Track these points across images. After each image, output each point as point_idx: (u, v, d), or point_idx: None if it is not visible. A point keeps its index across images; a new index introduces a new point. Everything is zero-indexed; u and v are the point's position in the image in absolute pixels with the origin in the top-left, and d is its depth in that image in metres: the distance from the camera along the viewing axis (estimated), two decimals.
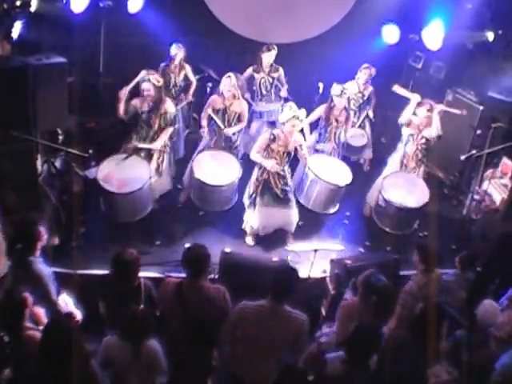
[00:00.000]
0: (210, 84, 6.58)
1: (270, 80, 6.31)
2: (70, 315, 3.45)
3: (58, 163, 5.32)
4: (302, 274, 4.72)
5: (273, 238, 5.30)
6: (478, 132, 5.99)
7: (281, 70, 6.32)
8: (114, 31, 6.23)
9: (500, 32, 6.34)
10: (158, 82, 5.10)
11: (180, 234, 5.29)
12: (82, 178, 5.15)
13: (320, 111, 5.69)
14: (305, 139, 5.31)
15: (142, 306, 3.44)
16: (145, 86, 5.04)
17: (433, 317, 3.22)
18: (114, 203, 4.92)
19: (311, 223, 5.54)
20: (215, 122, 5.40)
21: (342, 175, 5.35)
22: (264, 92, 6.35)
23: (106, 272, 3.82)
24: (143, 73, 5.09)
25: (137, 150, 5.13)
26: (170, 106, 5.23)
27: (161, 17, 6.35)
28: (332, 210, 5.45)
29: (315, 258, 4.58)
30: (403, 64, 7.26)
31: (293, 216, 5.16)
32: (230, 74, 5.32)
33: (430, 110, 5.28)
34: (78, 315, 3.50)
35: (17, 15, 5.34)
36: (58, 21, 5.69)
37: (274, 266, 4.35)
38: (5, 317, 3.09)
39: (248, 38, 6.96)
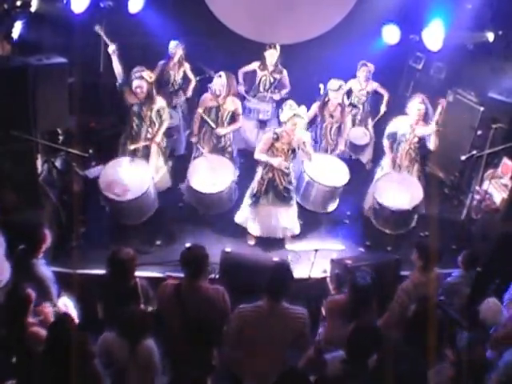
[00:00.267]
0: (210, 85, 6.58)
1: (271, 80, 6.32)
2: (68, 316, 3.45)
3: (58, 163, 5.33)
4: (303, 273, 4.75)
5: (273, 238, 5.29)
6: (479, 132, 5.97)
7: (285, 72, 6.33)
8: (114, 31, 6.20)
9: (500, 32, 6.33)
10: (150, 77, 5.11)
11: (180, 234, 5.29)
12: (82, 178, 5.16)
13: (314, 108, 5.70)
14: None
15: (141, 306, 3.45)
16: (137, 83, 5.02)
17: (430, 317, 3.20)
18: (120, 210, 4.92)
19: (311, 223, 5.54)
20: (207, 122, 5.39)
21: (339, 174, 5.35)
22: (261, 90, 6.36)
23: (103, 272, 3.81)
24: (134, 70, 5.09)
25: (133, 151, 5.13)
26: (161, 101, 5.23)
27: (161, 17, 6.36)
28: (331, 208, 5.46)
29: (316, 258, 4.58)
30: (404, 65, 7.27)
31: (293, 215, 5.17)
32: (221, 73, 5.32)
33: (423, 102, 5.25)
34: (76, 318, 3.50)
35: (17, 15, 5.34)
36: (59, 21, 5.70)
37: (271, 266, 4.36)
38: (9, 312, 3.09)
39: (248, 38, 6.97)
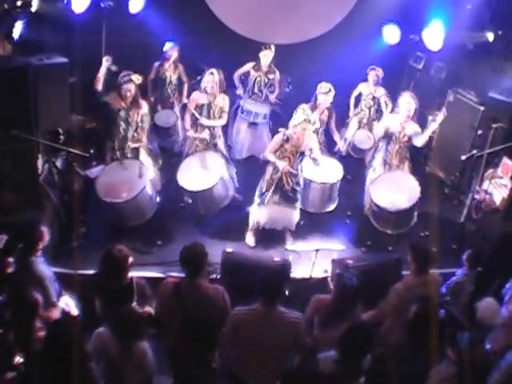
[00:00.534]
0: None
1: (266, 80, 6.34)
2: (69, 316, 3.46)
3: (58, 163, 5.32)
4: (304, 273, 4.76)
5: (273, 238, 5.31)
6: (479, 132, 5.99)
7: (277, 73, 6.34)
8: (115, 31, 6.23)
9: (500, 32, 6.33)
10: (138, 80, 5.16)
11: (181, 234, 5.29)
12: (83, 178, 5.16)
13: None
14: None
15: (134, 304, 3.44)
16: (126, 86, 5.06)
17: (431, 318, 3.21)
18: (119, 212, 4.90)
19: (312, 223, 5.54)
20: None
21: (333, 171, 5.38)
22: (256, 91, 6.37)
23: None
24: (122, 74, 5.13)
25: (123, 152, 5.17)
26: (145, 107, 5.29)
27: (162, 17, 6.36)
28: (331, 208, 5.46)
29: (316, 258, 4.59)
30: (404, 65, 7.27)
31: (296, 215, 5.20)
32: (213, 70, 5.35)
33: (411, 99, 5.24)
34: (77, 317, 3.51)
35: (18, 15, 5.33)
36: (59, 21, 5.69)
37: (269, 267, 4.37)
38: (17, 318, 3.10)
39: (249, 38, 6.97)
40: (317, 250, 4.57)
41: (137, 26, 6.34)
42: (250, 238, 5.30)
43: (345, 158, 6.54)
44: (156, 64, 6.37)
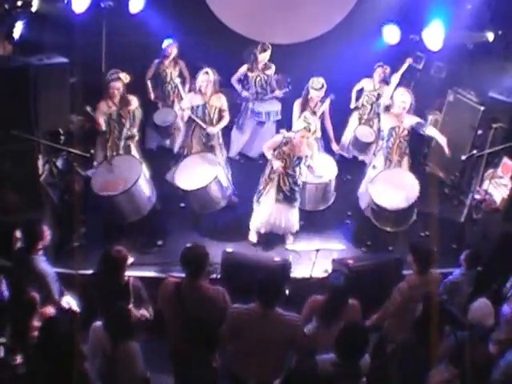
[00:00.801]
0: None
1: (265, 77, 6.37)
2: (71, 312, 3.47)
3: (59, 163, 5.32)
4: (304, 273, 4.76)
5: (273, 238, 5.30)
6: (479, 132, 5.99)
7: (273, 68, 6.37)
8: (115, 31, 6.23)
9: (500, 32, 6.34)
10: (126, 78, 5.15)
11: (181, 234, 5.28)
12: (84, 178, 5.15)
13: (297, 106, 5.71)
14: None
15: (131, 306, 3.45)
16: (115, 84, 5.05)
17: (433, 318, 3.21)
18: (116, 206, 4.85)
19: (312, 223, 5.54)
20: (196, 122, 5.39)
21: (328, 169, 5.37)
22: (259, 90, 6.40)
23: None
24: (110, 72, 5.12)
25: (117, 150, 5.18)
26: (135, 102, 5.27)
27: (162, 17, 6.36)
28: (327, 205, 5.45)
29: (317, 258, 4.59)
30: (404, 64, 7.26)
31: (295, 216, 5.19)
32: (208, 69, 5.32)
33: (406, 94, 5.23)
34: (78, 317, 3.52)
35: (18, 15, 5.34)
36: (60, 21, 5.70)
37: (269, 267, 4.37)
38: (14, 316, 3.10)
39: (249, 38, 6.97)
40: (317, 250, 4.57)
41: (137, 26, 6.34)
42: (252, 235, 5.31)
43: (345, 158, 6.57)
44: (155, 61, 6.36)
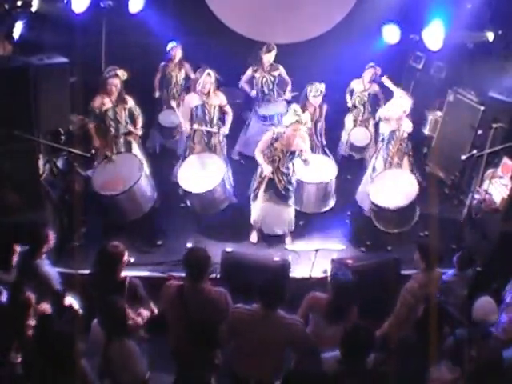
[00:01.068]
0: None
1: (272, 79, 6.37)
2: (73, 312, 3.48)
3: (59, 163, 5.32)
4: (304, 273, 4.76)
5: (273, 238, 5.31)
6: (479, 132, 5.99)
7: (281, 68, 6.38)
8: (115, 31, 6.24)
9: (500, 32, 6.34)
10: (124, 75, 5.16)
11: (181, 234, 5.30)
12: (84, 178, 5.16)
13: None
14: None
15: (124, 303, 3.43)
16: (113, 81, 5.07)
17: (434, 316, 3.22)
18: (117, 205, 4.87)
19: (312, 223, 5.55)
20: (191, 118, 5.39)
21: (327, 170, 5.39)
22: (266, 91, 6.41)
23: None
24: (108, 69, 5.14)
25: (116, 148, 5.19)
26: (131, 101, 5.29)
27: (161, 17, 6.37)
28: (328, 207, 5.46)
29: (316, 258, 4.59)
30: (404, 64, 7.27)
31: (291, 214, 5.21)
32: (209, 71, 5.33)
33: (404, 97, 5.24)
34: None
35: (18, 15, 5.35)
36: (59, 21, 5.70)
37: (268, 267, 4.36)
38: (9, 316, 3.11)
39: (249, 37, 6.97)
40: (316, 250, 4.57)
41: (137, 25, 6.35)
42: (253, 236, 5.32)
43: (345, 158, 6.58)
44: (161, 64, 6.38)
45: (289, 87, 6.43)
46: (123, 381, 3.17)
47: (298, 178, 5.21)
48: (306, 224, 5.47)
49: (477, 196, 5.44)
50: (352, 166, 6.39)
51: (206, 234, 5.31)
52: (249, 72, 6.35)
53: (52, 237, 3.74)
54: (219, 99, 5.45)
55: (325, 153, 5.85)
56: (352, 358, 2.92)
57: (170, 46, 6.31)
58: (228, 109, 5.54)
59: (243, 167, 6.21)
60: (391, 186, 5.16)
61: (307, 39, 7.18)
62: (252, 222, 5.26)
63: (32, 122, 4.51)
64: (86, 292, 3.74)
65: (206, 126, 5.40)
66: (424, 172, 6.52)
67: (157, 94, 6.49)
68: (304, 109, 5.66)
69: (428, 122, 6.87)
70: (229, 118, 5.55)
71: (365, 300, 3.60)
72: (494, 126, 5.32)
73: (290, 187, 5.09)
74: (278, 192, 5.05)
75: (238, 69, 6.49)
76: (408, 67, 7.24)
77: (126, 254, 3.60)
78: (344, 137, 6.64)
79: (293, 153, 4.95)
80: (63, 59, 4.79)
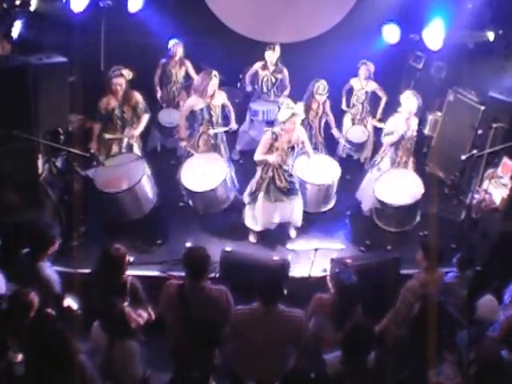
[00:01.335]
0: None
1: (273, 80, 6.40)
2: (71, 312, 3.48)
3: (59, 163, 5.31)
4: (303, 272, 4.76)
5: (274, 236, 5.31)
6: (479, 132, 5.99)
7: (285, 72, 6.40)
8: (114, 30, 6.24)
9: (500, 32, 6.33)
10: (129, 75, 5.18)
11: (181, 233, 5.29)
12: (83, 178, 5.15)
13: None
14: None
15: (126, 304, 3.44)
16: (118, 80, 5.07)
17: (433, 316, 3.21)
18: (119, 204, 4.87)
19: (312, 223, 5.54)
20: (196, 121, 5.38)
21: (330, 171, 5.38)
22: (265, 90, 6.44)
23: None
24: (113, 68, 5.15)
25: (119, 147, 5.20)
26: (138, 96, 5.27)
27: (161, 16, 6.36)
28: (328, 207, 5.45)
29: (316, 257, 4.59)
30: (404, 64, 7.26)
31: (298, 207, 5.15)
32: (215, 72, 5.29)
33: (413, 97, 5.22)
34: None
35: (17, 14, 5.35)
36: (58, 20, 5.70)
37: (267, 266, 4.36)
38: (12, 318, 3.10)
39: (249, 37, 6.97)
40: (316, 249, 4.57)
41: (136, 25, 6.35)
42: (251, 236, 5.30)
43: (345, 158, 6.58)
44: (162, 61, 6.37)
45: (286, 92, 6.44)
46: (124, 381, 3.17)
47: (300, 178, 5.19)
48: (306, 223, 5.46)
49: (477, 196, 5.44)
50: (352, 166, 6.39)
51: (206, 233, 5.30)
52: (256, 66, 6.38)
53: (57, 239, 3.71)
54: (222, 99, 5.46)
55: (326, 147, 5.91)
56: (353, 358, 2.92)
57: (171, 43, 6.31)
58: (229, 105, 5.58)
59: (243, 167, 6.19)
60: (397, 185, 5.18)
61: (307, 39, 7.18)
62: (250, 223, 5.22)
63: (31, 121, 4.51)
64: (85, 292, 3.74)
65: (213, 127, 5.39)
66: (424, 172, 6.52)
67: (158, 94, 6.47)
68: (308, 105, 5.69)
69: (428, 121, 6.86)
70: (232, 114, 5.61)
71: (364, 299, 3.59)
72: (494, 125, 5.31)
73: (293, 179, 5.06)
74: (281, 189, 5.01)
75: (237, 69, 6.49)
76: (408, 67, 7.24)
77: (128, 256, 3.60)
78: (342, 137, 6.63)
79: (293, 148, 4.94)
80: (62, 59, 4.78)
